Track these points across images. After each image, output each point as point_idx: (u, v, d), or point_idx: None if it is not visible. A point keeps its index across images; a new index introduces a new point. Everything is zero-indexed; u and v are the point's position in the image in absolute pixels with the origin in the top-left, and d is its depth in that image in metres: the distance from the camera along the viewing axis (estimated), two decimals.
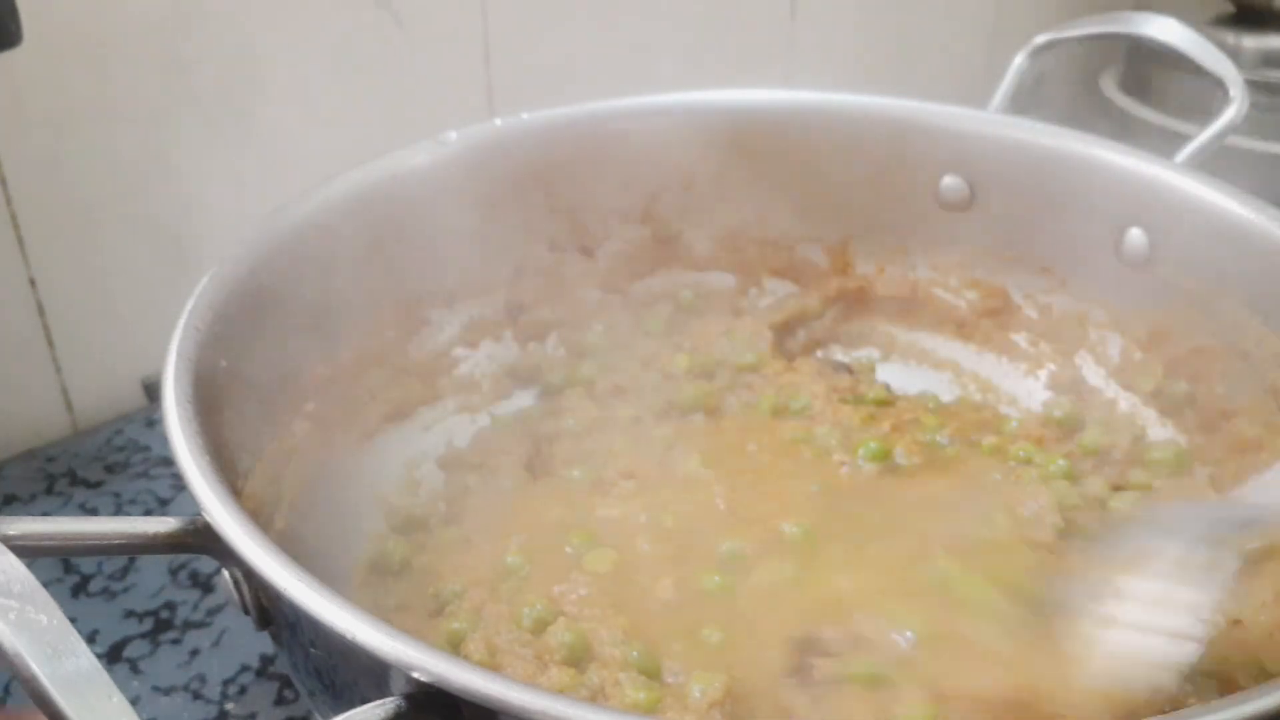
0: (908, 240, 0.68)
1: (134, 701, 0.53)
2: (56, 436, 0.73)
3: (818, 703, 0.41)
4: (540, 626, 0.45)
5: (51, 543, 0.37)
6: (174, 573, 0.61)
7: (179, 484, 0.62)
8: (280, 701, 0.54)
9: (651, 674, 0.43)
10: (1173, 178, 0.58)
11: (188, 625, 0.58)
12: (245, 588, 0.38)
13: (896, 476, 0.56)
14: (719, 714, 0.41)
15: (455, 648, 0.45)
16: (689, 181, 0.68)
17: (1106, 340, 0.62)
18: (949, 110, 0.65)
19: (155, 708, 0.54)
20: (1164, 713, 0.30)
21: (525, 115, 0.65)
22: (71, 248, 0.69)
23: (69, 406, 0.73)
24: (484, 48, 0.81)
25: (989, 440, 0.59)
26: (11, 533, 0.35)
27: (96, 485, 0.68)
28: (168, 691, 0.54)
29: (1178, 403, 0.59)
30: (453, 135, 0.62)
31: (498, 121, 0.65)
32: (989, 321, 0.66)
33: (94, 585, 0.60)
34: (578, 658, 0.44)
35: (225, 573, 0.39)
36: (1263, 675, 0.36)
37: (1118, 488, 0.55)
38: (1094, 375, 0.63)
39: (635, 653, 0.43)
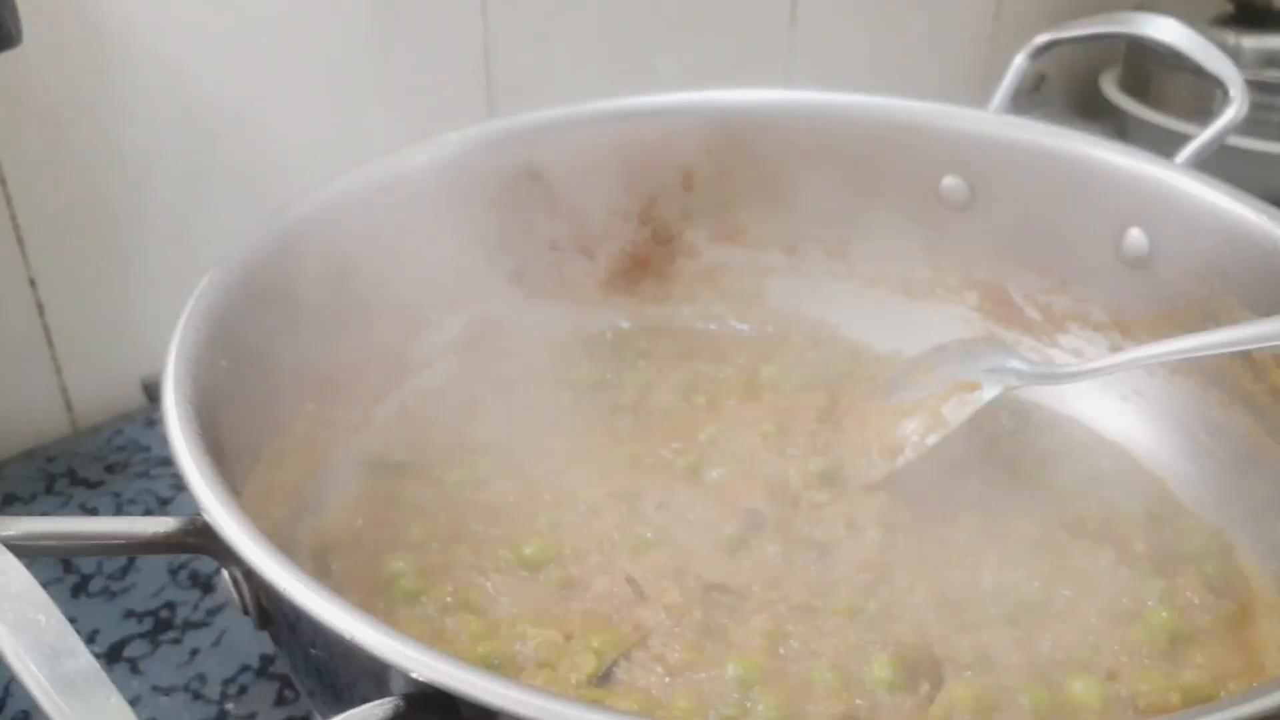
0: (908, 240, 0.68)
1: (134, 701, 0.53)
2: (56, 436, 0.73)
3: None
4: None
5: (51, 543, 0.37)
6: (174, 573, 0.61)
7: (179, 484, 0.62)
8: (280, 701, 0.54)
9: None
10: (1173, 178, 0.58)
11: (188, 625, 0.58)
12: (245, 588, 0.38)
13: None
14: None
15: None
16: (689, 181, 0.68)
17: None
18: (949, 110, 0.65)
19: (155, 708, 0.54)
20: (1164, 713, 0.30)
21: (525, 115, 0.65)
22: (71, 248, 0.69)
23: (69, 406, 0.73)
24: (484, 48, 0.81)
25: None
26: (11, 533, 0.35)
27: (96, 485, 0.68)
28: (168, 691, 0.54)
29: None
30: (452, 135, 0.62)
31: (498, 121, 0.65)
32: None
33: (94, 585, 0.60)
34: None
35: (225, 573, 0.39)
36: None
37: None
38: None
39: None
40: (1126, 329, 0.62)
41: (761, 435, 0.60)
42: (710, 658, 0.46)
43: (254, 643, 0.57)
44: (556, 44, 0.85)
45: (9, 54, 0.56)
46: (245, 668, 0.56)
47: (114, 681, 0.31)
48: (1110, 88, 1.07)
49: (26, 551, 0.35)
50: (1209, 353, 0.51)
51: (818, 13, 0.99)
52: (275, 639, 0.41)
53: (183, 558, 0.62)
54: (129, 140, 0.69)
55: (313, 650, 0.37)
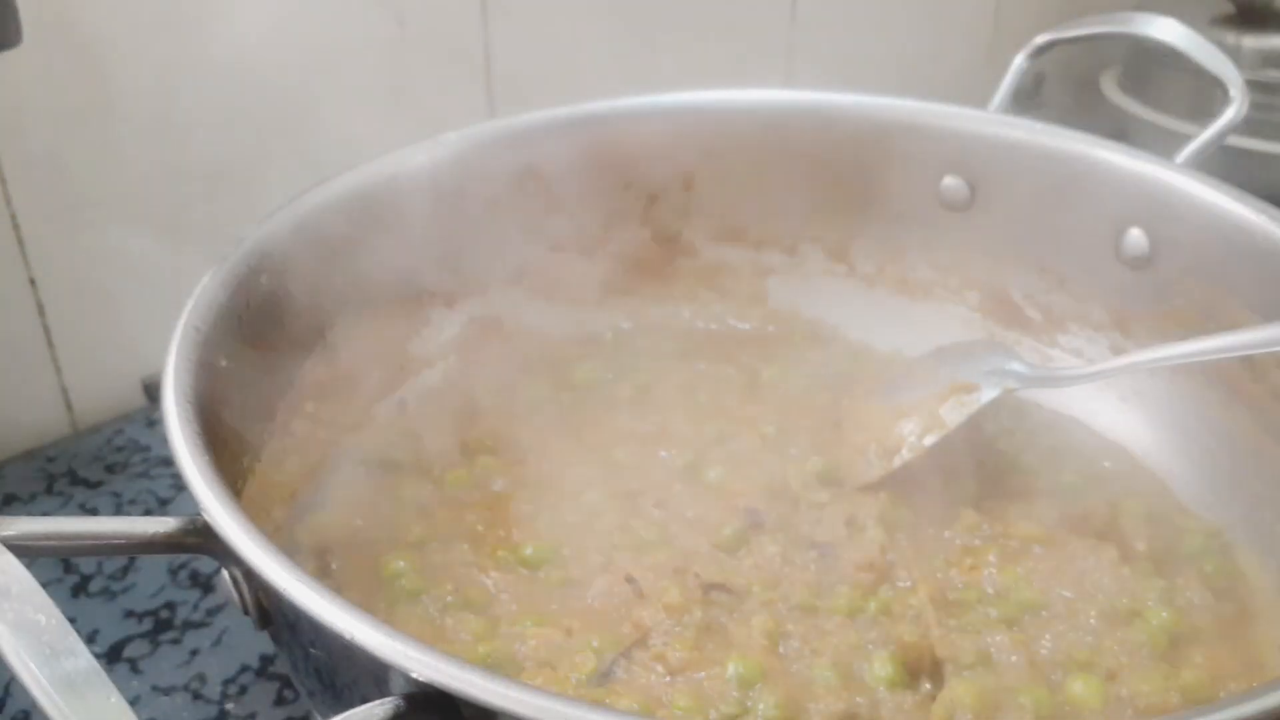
0: (908, 240, 0.68)
1: (134, 701, 0.53)
2: (56, 436, 0.73)
3: None
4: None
5: (51, 543, 0.37)
6: (174, 573, 0.61)
7: (179, 484, 0.62)
8: (280, 701, 0.54)
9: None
10: (1173, 178, 0.58)
11: (188, 625, 0.58)
12: (245, 588, 0.38)
13: None
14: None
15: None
16: (689, 181, 0.68)
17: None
18: (949, 110, 0.65)
19: (155, 708, 0.54)
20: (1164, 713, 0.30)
21: (525, 115, 0.65)
22: (71, 248, 0.69)
23: (69, 406, 0.73)
24: (484, 48, 0.81)
25: None
26: (11, 533, 0.35)
27: (96, 485, 0.68)
28: (168, 691, 0.54)
29: None
30: (452, 135, 0.62)
31: (498, 121, 0.65)
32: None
33: (94, 585, 0.60)
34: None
35: (225, 573, 0.39)
36: None
37: None
38: None
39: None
40: (1126, 329, 0.62)
41: (761, 435, 0.60)
42: (711, 657, 0.46)
43: (254, 643, 0.57)
44: (556, 44, 0.85)
45: (9, 54, 0.56)
46: (245, 668, 0.56)
47: (114, 681, 0.31)
48: (1110, 88, 1.07)
49: (26, 551, 0.35)
50: (1208, 358, 0.51)
51: (818, 13, 0.99)
52: (275, 639, 0.41)
53: (183, 558, 0.62)
54: (129, 140, 0.69)
55: (313, 650, 0.37)
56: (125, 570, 0.61)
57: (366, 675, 0.34)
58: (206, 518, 0.37)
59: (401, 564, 0.51)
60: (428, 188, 0.61)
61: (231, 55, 0.71)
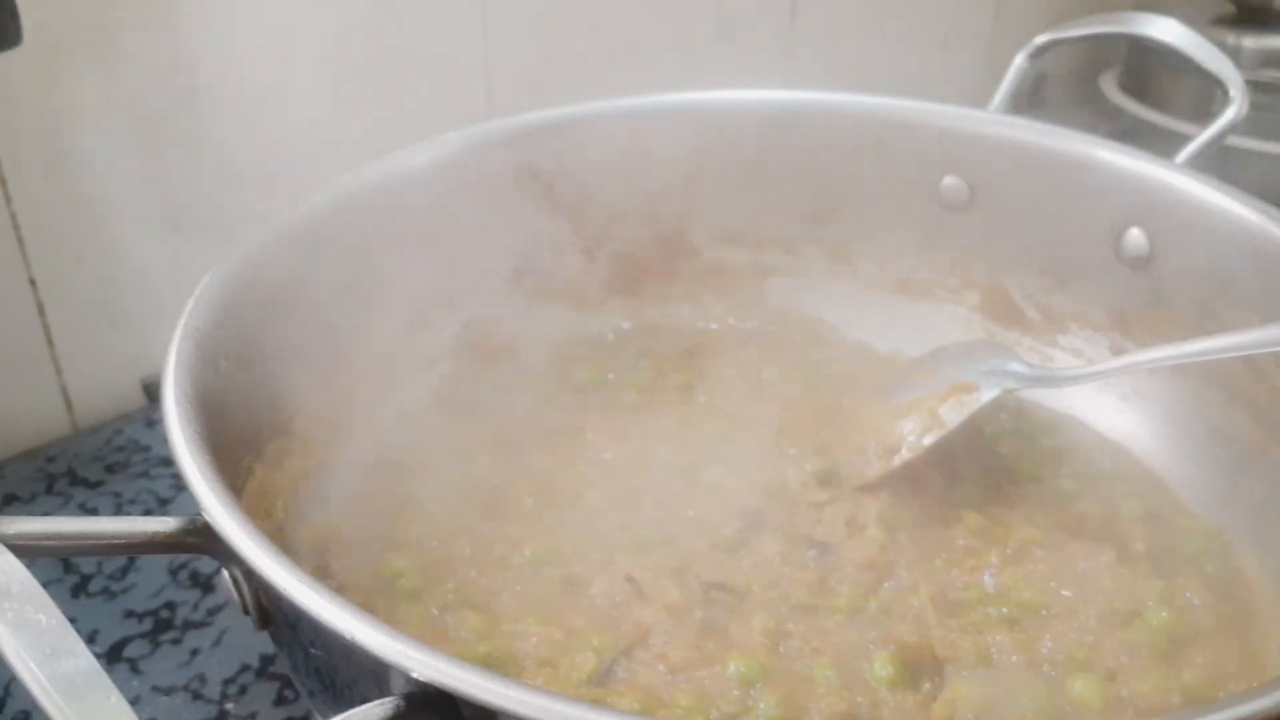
0: (908, 240, 0.68)
1: (134, 701, 0.53)
2: (56, 436, 0.73)
3: None
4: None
5: (51, 543, 0.37)
6: (174, 573, 0.61)
7: (179, 484, 0.62)
8: (280, 701, 0.54)
9: None
10: (1173, 178, 0.58)
11: (188, 625, 0.58)
12: (245, 588, 0.38)
13: None
14: None
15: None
16: (689, 181, 0.68)
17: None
18: (949, 110, 0.65)
19: (155, 708, 0.54)
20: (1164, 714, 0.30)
21: (525, 115, 0.65)
22: (71, 248, 0.69)
23: (69, 406, 0.73)
24: (484, 48, 0.81)
25: None
26: (11, 533, 0.35)
27: (96, 485, 0.68)
28: (168, 691, 0.54)
29: None
30: (452, 135, 0.62)
31: (497, 121, 0.65)
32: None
33: (94, 585, 0.60)
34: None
35: (225, 573, 0.39)
36: None
37: None
38: None
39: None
40: (1126, 329, 0.62)
41: (761, 435, 0.60)
42: (711, 656, 0.46)
43: (254, 643, 0.57)
44: (556, 44, 0.85)
45: (9, 54, 0.56)
46: (245, 668, 0.56)
47: (114, 681, 0.31)
48: (1110, 88, 1.07)
49: (26, 551, 0.35)
50: (1208, 358, 0.51)
51: (818, 13, 0.99)
52: (275, 639, 0.41)
53: (183, 558, 0.62)
54: (129, 140, 0.69)
55: (313, 650, 0.37)
56: (125, 570, 0.61)
57: (366, 675, 0.34)
58: (206, 518, 0.37)
59: (402, 563, 0.51)
60: (428, 188, 0.61)
61: (231, 55, 0.71)
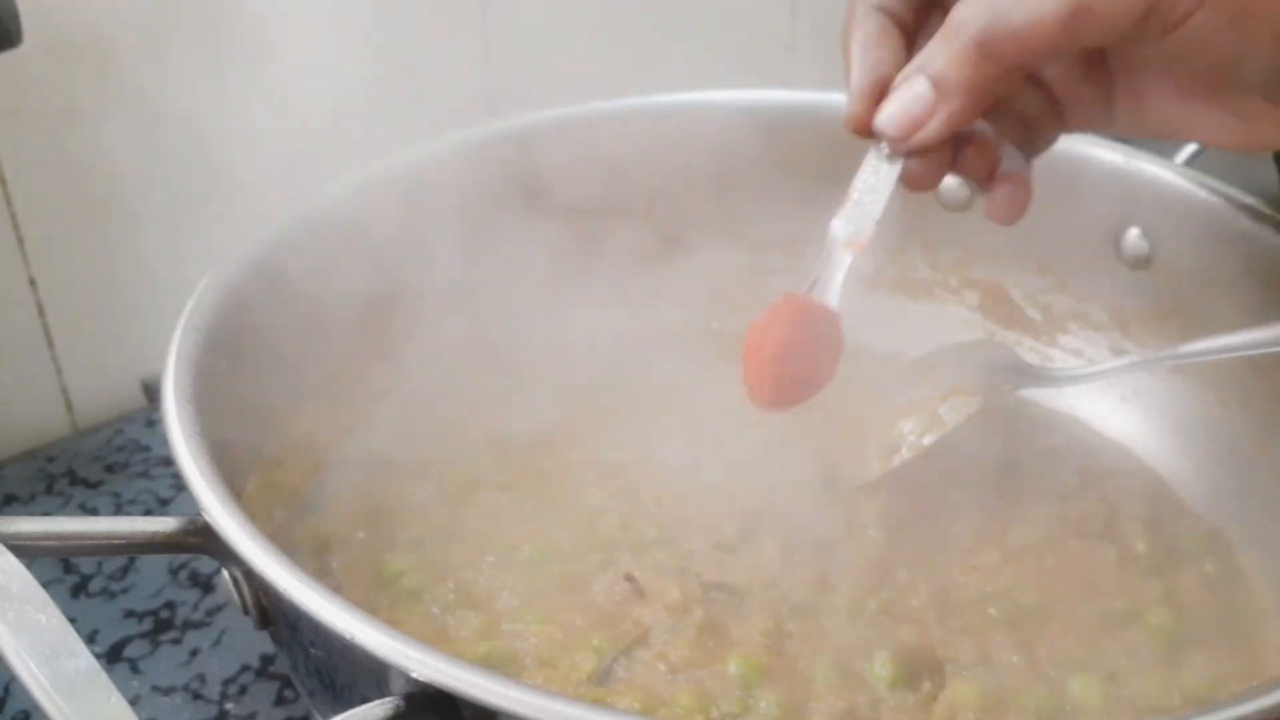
0: (908, 240, 0.68)
1: (134, 701, 0.53)
2: (56, 436, 0.73)
3: None
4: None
5: (51, 543, 0.37)
6: (174, 573, 0.61)
7: (179, 484, 0.62)
8: (280, 701, 0.54)
9: None
10: (1173, 178, 0.58)
11: (188, 625, 0.58)
12: (245, 588, 0.39)
13: None
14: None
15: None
16: (689, 181, 0.68)
17: None
18: None
19: (155, 708, 0.54)
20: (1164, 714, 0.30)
21: (525, 115, 0.65)
22: (71, 248, 0.69)
23: (69, 406, 0.73)
24: (484, 48, 0.81)
25: None
26: (11, 532, 0.35)
27: (96, 485, 0.68)
28: (168, 691, 0.54)
29: None
30: (452, 135, 0.62)
31: (498, 121, 0.65)
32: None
33: (94, 585, 0.60)
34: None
35: (225, 573, 0.39)
36: None
37: None
38: None
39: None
40: (1126, 329, 0.62)
41: (761, 435, 0.60)
42: (712, 655, 0.46)
43: (254, 643, 0.57)
44: (556, 44, 0.85)
45: (9, 54, 0.56)
46: (245, 668, 0.56)
47: (114, 681, 0.31)
48: None
49: (26, 551, 0.35)
50: (1208, 358, 0.51)
51: (818, 12, 0.98)
52: (275, 639, 0.41)
53: (183, 558, 0.62)
54: (129, 140, 0.69)
55: (313, 650, 0.37)
56: (125, 570, 0.61)
57: (366, 675, 0.34)
58: (206, 518, 0.37)
59: (402, 563, 0.51)
60: (428, 188, 0.61)
61: (231, 56, 0.71)
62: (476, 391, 0.63)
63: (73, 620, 0.33)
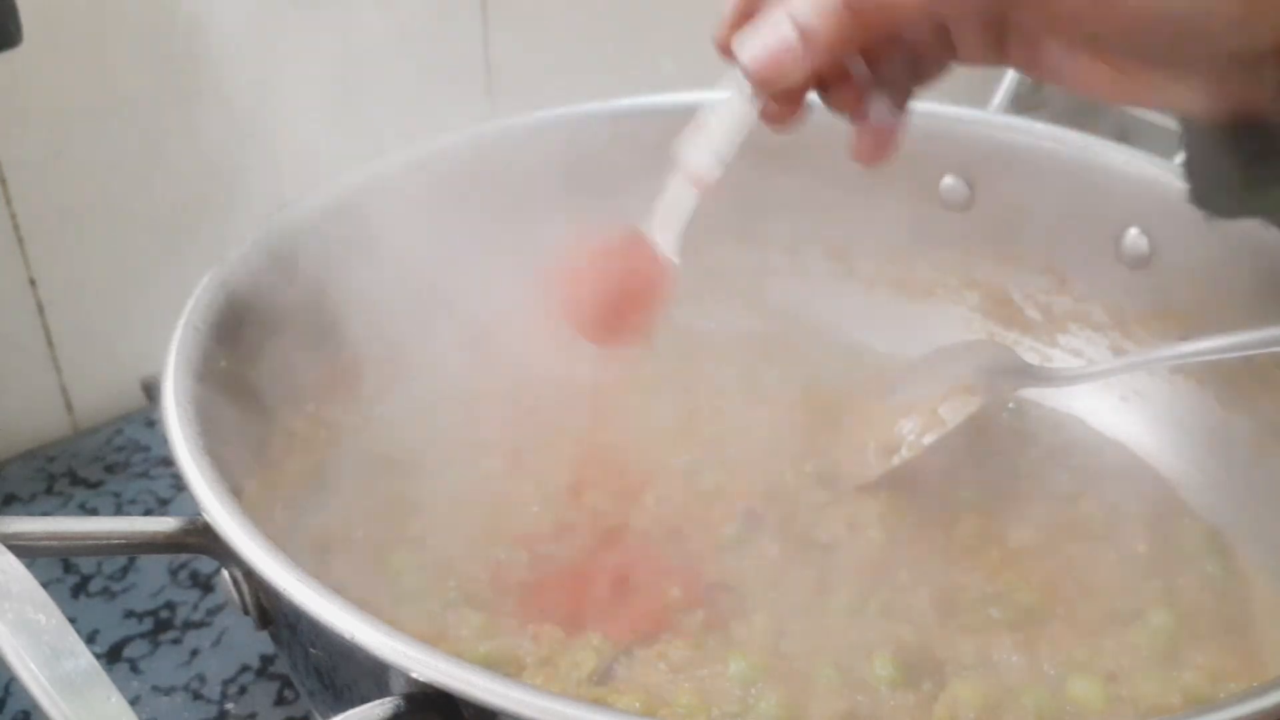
0: (908, 240, 0.68)
1: (134, 701, 0.53)
2: (56, 436, 0.73)
3: None
4: None
5: (51, 543, 0.37)
6: (174, 573, 0.61)
7: (179, 484, 0.62)
8: (280, 701, 0.54)
9: None
10: (1173, 178, 0.58)
11: (188, 625, 0.58)
12: (245, 588, 0.39)
13: None
14: None
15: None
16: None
17: None
18: (949, 110, 0.65)
19: (155, 708, 0.54)
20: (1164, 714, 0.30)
21: (525, 115, 0.65)
22: (71, 248, 0.69)
23: (69, 406, 0.73)
24: (484, 47, 0.81)
25: None
26: (11, 532, 0.35)
27: (96, 485, 0.68)
28: (168, 691, 0.54)
29: None
30: (452, 135, 0.62)
31: (498, 121, 0.65)
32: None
33: (94, 585, 0.60)
34: None
35: (225, 573, 0.39)
36: None
37: None
38: None
39: None
40: (1126, 329, 0.62)
41: (761, 435, 0.60)
42: (712, 655, 0.46)
43: (254, 643, 0.57)
44: (556, 44, 0.85)
45: (9, 54, 0.56)
46: (245, 668, 0.56)
47: (114, 681, 0.31)
48: None
49: (26, 551, 0.35)
50: (1208, 358, 0.51)
51: None
52: (275, 639, 0.41)
53: (183, 558, 0.62)
54: (129, 140, 0.69)
55: (313, 650, 0.37)
56: (125, 570, 0.61)
57: (366, 675, 0.34)
58: (206, 518, 0.37)
59: (402, 562, 0.51)
60: (428, 188, 0.61)
61: (231, 56, 0.71)
62: (476, 391, 0.63)
63: (73, 620, 0.33)
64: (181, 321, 0.46)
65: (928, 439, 0.55)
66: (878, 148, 0.46)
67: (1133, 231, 0.59)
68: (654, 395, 0.64)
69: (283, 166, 0.73)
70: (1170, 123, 0.96)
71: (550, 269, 0.44)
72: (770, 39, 0.41)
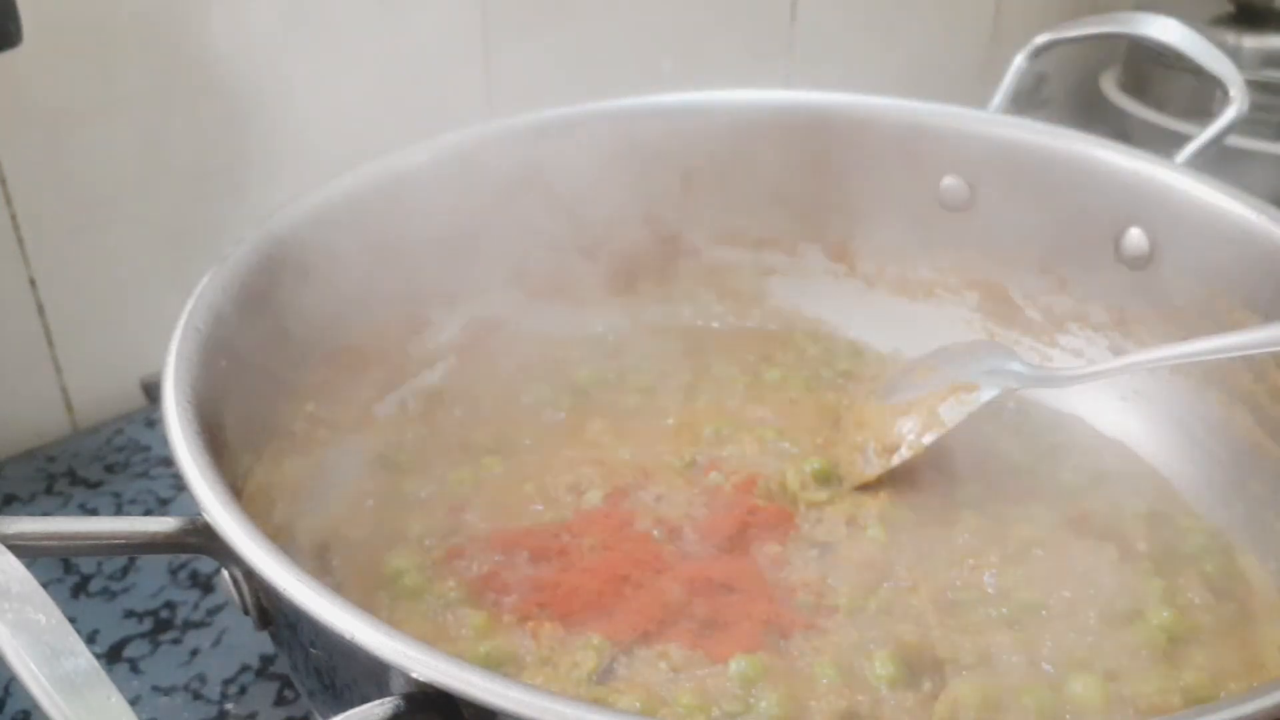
0: (908, 240, 0.68)
1: (134, 701, 0.53)
2: (56, 436, 0.73)
3: None
4: None
5: (51, 543, 0.37)
6: (174, 573, 0.61)
7: (179, 484, 0.62)
8: (280, 701, 0.54)
9: None
10: (1173, 178, 0.58)
11: (188, 625, 0.58)
12: (245, 588, 0.38)
13: None
14: None
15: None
16: (688, 181, 0.68)
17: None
18: (949, 110, 0.65)
19: (155, 708, 0.54)
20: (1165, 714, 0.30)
21: (525, 115, 0.65)
22: (71, 248, 0.69)
23: (69, 406, 0.73)
24: (484, 48, 0.81)
25: None
26: (11, 532, 0.35)
27: (96, 485, 0.68)
28: (168, 691, 0.54)
29: None
30: (452, 135, 0.62)
31: (498, 121, 0.65)
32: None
33: (94, 585, 0.60)
34: None
35: (225, 573, 0.39)
36: None
37: None
38: None
39: None
40: (1126, 329, 0.62)
41: (761, 435, 0.60)
42: (713, 654, 0.46)
43: (254, 643, 0.56)
44: (556, 44, 0.85)
45: (9, 54, 0.56)
46: (245, 668, 0.56)
47: (114, 681, 0.31)
48: (1110, 88, 1.07)
49: (26, 551, 0.35)
50: (1208, 358, 0.51)
51: (818, 13, 0.99)
52: (275, 639, 0.41)
53: (183, 558, 0.62)
54: (129, 140, 0.69)
55: (313, 650, 0.37)
56: (125, 570, 0.61)
57: (366, 675, 0.34)
58: (206, 518, 0.37)
59: (403, 561, 0.51)
60: (428, 188, 0.61)
61: (231, 56, 0.71)
62: (477, 391, 0.63)
63: (73, 620, 0.33)
64: (181, 321, 0.46)
65: (927, 438, 0.55)
66: None
67: (1133, 231, 0.59)
68: (654, 395, 0.64)
69: (283, 166, 0.73)
70: (1170, 122, 0.97)
71: None
72: None
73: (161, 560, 0.62)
